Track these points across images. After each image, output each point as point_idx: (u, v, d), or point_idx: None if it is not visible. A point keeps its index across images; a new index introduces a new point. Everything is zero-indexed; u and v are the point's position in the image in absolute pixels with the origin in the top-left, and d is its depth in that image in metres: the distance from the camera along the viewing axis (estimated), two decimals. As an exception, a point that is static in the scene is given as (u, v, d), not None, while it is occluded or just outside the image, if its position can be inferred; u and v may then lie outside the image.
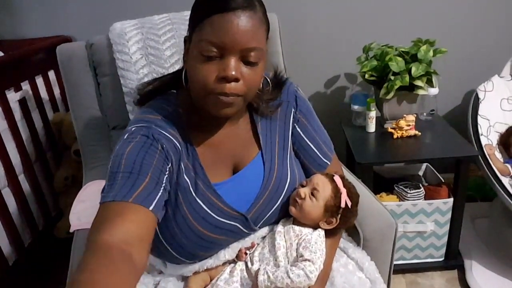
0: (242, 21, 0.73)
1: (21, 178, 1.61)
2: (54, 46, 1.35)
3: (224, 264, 0.92)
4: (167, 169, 0.79)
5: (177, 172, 0.83)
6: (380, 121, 1.76)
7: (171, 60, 1.27)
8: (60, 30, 1.89)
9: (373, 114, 1.68)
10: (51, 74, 1.87)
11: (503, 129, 1.82)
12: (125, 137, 0.81)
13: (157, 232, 0.83)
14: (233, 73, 0.74)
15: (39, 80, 1.78)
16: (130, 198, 0.69)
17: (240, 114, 0.92)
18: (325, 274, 0.91)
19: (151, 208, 0.71)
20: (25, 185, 1.63)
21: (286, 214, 0.95)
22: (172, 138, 0.82)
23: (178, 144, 0.83)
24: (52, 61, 1.80)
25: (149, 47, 1.26)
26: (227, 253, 0.90)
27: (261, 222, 0.92)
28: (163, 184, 0.76)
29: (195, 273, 0.91)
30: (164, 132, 0.82)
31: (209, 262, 0.89)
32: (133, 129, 0.82)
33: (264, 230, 0.95)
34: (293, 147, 0.99)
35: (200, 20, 0.75)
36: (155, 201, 0.72)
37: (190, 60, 0.78)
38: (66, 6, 1.86)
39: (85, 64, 1.31)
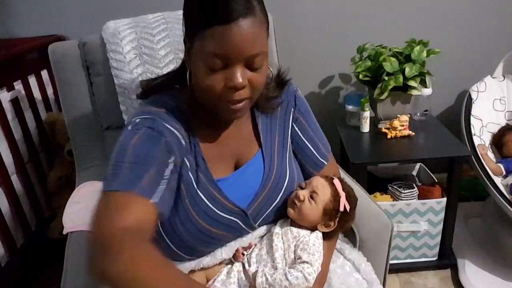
0: (244, 30, 0.72)
1: (14, 178, 1.60)
2: (47, 45, 1.34)
3: (220, 263, 0.92)
4: (170, 163, 0.79)
5: (181, 166, 0.83)
6: (374, 121, 1.77)
7: (165, 59, 1.27)
8: (54, 29, 1.88)
9: (367, 114, 1.69)
10: (44, 73, 1.86)
11: (495, 129, 1.84)
12: (129, 128, 0.80)
13: (159, 225, 0.83)
14: (241, 81, 0.76)
15: (32, 80, 1.76)
16: (135, 189, 0.70)
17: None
18: (323, 276, 0.91)
19: (154, 200, 0.72)
20: (17, 186, 1.62)
21: (285, 213, 0.95)
22: (176, 132, 0.82)
23: (181, 138, 0.83)
24: (45, 60, 1.78)
25: (143, 46, 1.26)
26: (224, 252, 0.90)
27: (260, 219, 0.93)
28: (167, 177, 0.77)
29: (192, 271, 0.91)
30: (168, 126, 0.82)
31: (206, 260, 0.89)
32: (138, 120, 0.81)
33: (262, 230, 0.95)
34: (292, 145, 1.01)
35: (201, 28, 0.74)
36: (159, 194, 0.73)
37: (194, 67, 0.78)
38: (59, 5, 1.84)
39: (78, 63, 1.30)
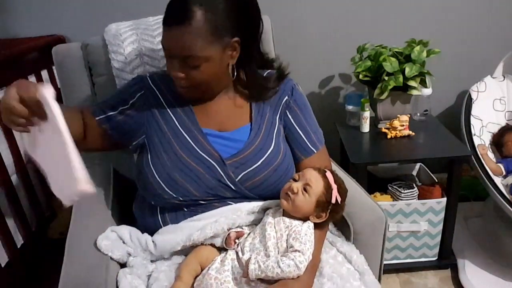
0: (174, 35, 0.90)
1: (14, 178, 1.60)
2: (48, 45, 1.34)
3: (211, 237, 0.96)
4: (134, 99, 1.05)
5: (151, 109, 1.05)
6: (374, 121, 1.77)
7: (165, 60, 1.27)
8: (54, 29, 1.88)
9: (367, 114, 1.69)
10: (44, 73, 1.85)
11: (495, 129, 1.84)
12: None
13: (148, 159, 1.01)
14: (172, 72, 0.94)
15: (32, 80, 1.76)
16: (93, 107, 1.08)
17: (226, 90, 1.06)
18: (314, 264, 0.95)
19: (97, 118, 1.04)
20: (18, 186, 1.62)
21: (275, 192, 1.01)
22: (154, 88, 1.06)
23: (159, 93, 1.06)
24: (45, 60, 1.79)
25: (143, 47, 1.28)
26: (213, 227, 0.95)
27: (241, 175, 1.00)
28: (122, 109, 1.04)
29: (184, 251, 0.96)
30: (151, 83, 1.07)
31: (196, 234, 0.95)
32: (145, 74, 1.11)
33: (251, 206, 1.00)
34: (283, 132, 1.09)
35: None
36: (107, 114, 1.04)
37: None
38: (59, 5, 1.84)
39: (80, 64, 1.32)
